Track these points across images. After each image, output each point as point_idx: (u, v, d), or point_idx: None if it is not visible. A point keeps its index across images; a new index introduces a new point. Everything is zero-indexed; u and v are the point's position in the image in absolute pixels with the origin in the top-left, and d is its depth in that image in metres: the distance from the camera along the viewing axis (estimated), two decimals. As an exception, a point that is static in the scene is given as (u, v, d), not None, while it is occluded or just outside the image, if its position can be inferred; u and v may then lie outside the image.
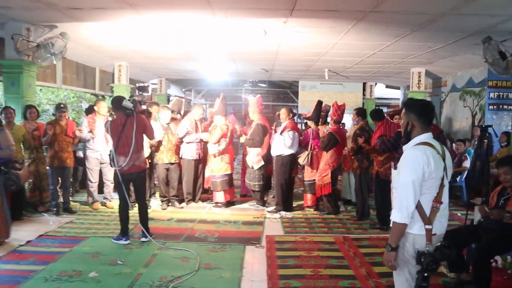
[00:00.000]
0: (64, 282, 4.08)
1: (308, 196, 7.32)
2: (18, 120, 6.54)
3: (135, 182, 5.51)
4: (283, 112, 7.20)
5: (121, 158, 5.25)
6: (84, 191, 8.01)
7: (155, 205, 7.39)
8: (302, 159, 7.10)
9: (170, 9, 5.74)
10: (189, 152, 7.25)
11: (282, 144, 6.88)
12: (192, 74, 13.52)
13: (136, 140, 5.27)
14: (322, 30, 6.76)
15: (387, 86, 15.59)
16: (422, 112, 2.64)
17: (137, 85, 5.70)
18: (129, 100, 5.52)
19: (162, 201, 7.28)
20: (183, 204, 7.43)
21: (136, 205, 5.68)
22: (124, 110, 5.27)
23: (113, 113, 7.39)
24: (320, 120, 7.18)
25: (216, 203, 7.32)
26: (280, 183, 7.01)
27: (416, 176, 2.43)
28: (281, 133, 6.98)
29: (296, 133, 7.07)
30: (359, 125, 6.71)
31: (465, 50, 7.93)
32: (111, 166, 5.48)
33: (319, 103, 7.30)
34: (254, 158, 7.09)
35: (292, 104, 16.85)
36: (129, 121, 5.27)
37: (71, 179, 7.43)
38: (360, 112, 6.87)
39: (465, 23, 6.09)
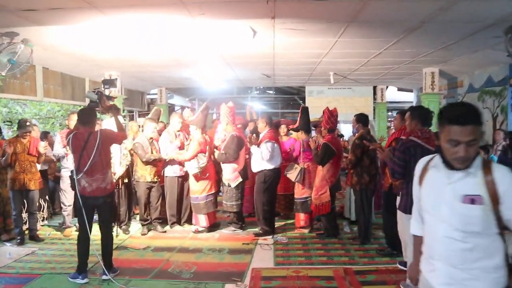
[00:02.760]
0: None
1: (301, 216, 6.40)
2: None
3: (100, 208, 4.70)
4: (261, 121, 6.32)
5: (83, 179, 4.47)
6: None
7: (134, 229, 6.56)
8: (294, 175, 6.19)
9: (136, 7, 5.00)
10: (172, 168, 6.42)
11: (260, 158, 6.02)
12: (190, 82, 12.81)
13: (101, 158, 4.51)
14: (317, 27, 5.93)
15: (399, 89, 14.59)
16: None
17: (103, 78, 4.97)
18: (93, 91, 4.77)
19: (142, 225, 6.45)
20: (167, 227, 6.59)
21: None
22: (87, 121, 4.55)
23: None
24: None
25: (196, 230, 6.45)
26: (261, 202, 6.14)
27: None
28: (258, 145, 6.11)
29: (276, 144, 6.16)
30: (359, 134, 5.77)
31: (483, 45, 6.97)
32: (72, 189, 4.70)
33: (304, 109, 6.49)
34: (230, 174, 6.20)
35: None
36: (93, 136, 4.50)
37: (42, 203, 6.70)
38: (361, 119, 5.89)
39: (482, 11, 5.16)
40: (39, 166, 6.44)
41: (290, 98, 18.08)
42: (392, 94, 14.91)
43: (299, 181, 6.19)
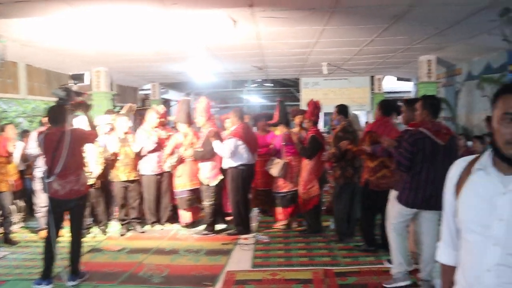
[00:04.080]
0: None
1: (280, 210, 6.11)
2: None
3: (73, 211, 4.43)
4: (232, 115, 6.02)
5: (55, 181, 4.21)
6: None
7: (113, 230, 6.30)
8: (276, 170, 5.88)
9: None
10: (149, 166, 6.15)
11: (220, 153, 5.78)
12: (182, 76, 12.54)
13: (74, 158, 4.27)
14: (299, 15, 5.63)
15: (398, 79, 14.20)
16: None
17: (70, 73, 4.69)
18: (61, 87, 4.51)
19: (121, 225, 6.20)
20: (147, 227, 6.34)
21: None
22: (57, 120, 4.31)
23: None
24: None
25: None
26: (235, 200, 5.85)
27: None
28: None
29: (239, 140, 5.81)
30: (341, 126, 5.49)
31: (479, 30, 6.61)
32: (43, 191, 4.47)
33: (280, 102, 6.20)
34: (208, 173, 5.86)
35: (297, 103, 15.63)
36: (65, 135, 4.23)
37: (21, 204, 6.48)
38: (342, 110, 5.58)
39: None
40: (22, 166, 6.24)
41: (287, 90, 17.76)
42: (391, 83, 14.52)
43: (281, 176, 5.89)
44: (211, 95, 19.20)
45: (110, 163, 5.98)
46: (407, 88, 14.44)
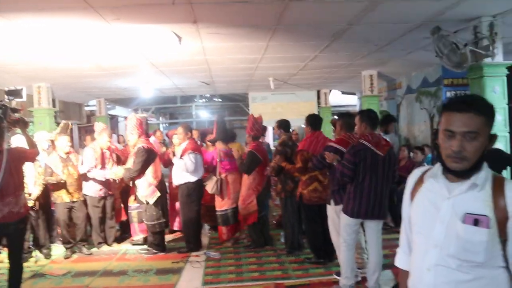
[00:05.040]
0: None
1: (223, 229, 6.05)
2: None
3: (11, 235, 4.11)
4: (179, 131, 6.00)
5: None
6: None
7: (58, 252, 6.04)
8: (210, 187, 5.88)
9: (43, 11, 4.60)
10: (92, 188, 5.97)
11: (183, 169, 5.69)
12: (128, 92, 12.32)
13: (12, 179, 4.01)
14: (243, 31, 5.72)
15: (343, 93, 14.66)
16: None
17: (6, 89, 4.41)
18: None
19: (66, 247, 5.95)
20: (94, 249, 6.12)
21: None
22: None
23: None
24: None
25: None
26: (188, 217, 5.80)
27: None
28: (181, 157, 5.79)
29: (199, 155, 5.85)
30: (281, 140, 5.61)
31: (415, 46, 6.99)
32: None
33: (218, 118, 6.32)
34: (145, 190, 5.66)
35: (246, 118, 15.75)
36: (3, 155, 3.96)
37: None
38: (282, 124, 5.70)
39: (407, 12, 5.15)
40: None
41: (237, 105, 17.85)
42: (336, 98, 14.95)
43: (216, 193, 5.89)
44: (160, 110, 19.03)
45: (53, 184, 5.73)
46: (352, 102, 14.93)
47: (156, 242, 5.86)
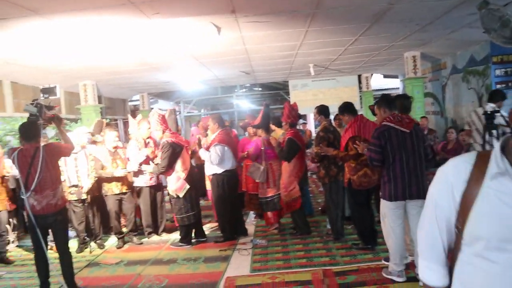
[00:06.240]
0: None
1: (270, 214, 6.11)
2: None
3: (52, 226, 4.40)
4: (211, 122, 6.05)
5: (31, 197, 4.17)
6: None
7: (110, 243, 6.28)
8: (257, 175, 5.91)
9: (84, 11, 4.72)
10: (142, 178, 6.14)
11: (208, 161, 5.78)
12: (170, 85, 12.56)
13: (49, 173, 4.23)
14: (282, 18, 5.67)
15: (384, 76, 14.30)
16: None
17: (41, 87, 4.54)
18: (32, 103, 4.42)
19: (118, 238, 6.17)
20: (144, 239, 6.32)
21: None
22: (29, 136, 4.24)
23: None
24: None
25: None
26: (220, 207, 5.87)
27: None
28: (207, 149, 5.83)
29: (226, 147, 5.83)
30: (322, 126, 5.59)
31: (460, 24, 6.70)
32: (21, 209, 4.43)
33: (266, 106, 6.26)
34: (174, 184, 5.72)
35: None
36: (39, 151, 4.19)
37: (14, 222, 6.43)
38: (322, 110, 5.67)
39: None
40: (12, 184, 6.18)
41: (277, 93, 17.81)
42: (379, 81, 14.63)
43: (262, 181, 5.92)
44: (201, 102, 19.23)
45: (103, 177, 5.95)
46: (395, 85, 14.56)
47: (182, 234, 5.93)
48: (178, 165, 5.71)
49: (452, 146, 7.31)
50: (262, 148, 6.06)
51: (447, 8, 5.73)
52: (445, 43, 8.33)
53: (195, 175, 6.14)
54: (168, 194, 5.93)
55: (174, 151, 5.64)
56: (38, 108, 4.30)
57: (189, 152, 6.19)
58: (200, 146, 5.96)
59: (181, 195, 5.68)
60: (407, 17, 6.12)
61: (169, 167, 5.64)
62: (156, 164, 5.77)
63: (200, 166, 6.86)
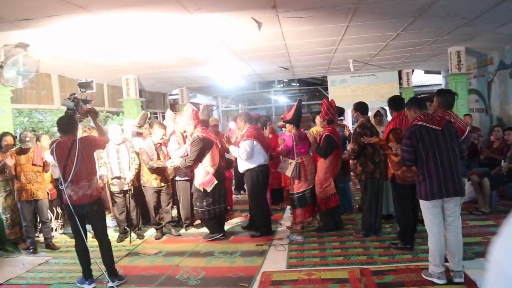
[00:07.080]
0: None
1: (298, 211, 6.04)
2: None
3: (89, 216, 4.55)
4: (239, 119, 6.08)
5: (68, 188, 4.35)
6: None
7: (149, 234, 6.44)
8: (290, 171, 5.88)
9: (129, 7, 4.85)
10: (182, 172, 6.25)
11: (238, 157, 5.84)
12: (208, 80, 12.69)
13: (85, 165, 4.40)
14: (323, 13, 5.62)
15: (426, 72, 13.91)
16: None
17: (78, 81, 4.67)
18: (69, 98, 4.56)
19: (156, 229, 6.32)
20: (182, 230, 6.44)
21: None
22: (67, 129, 4.41)
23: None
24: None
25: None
26: (255, 202, 5.88)
27: None
28: (238, 144, 5.86)
29: (255, 141, 5.83)
30: (359, 122, 5.57)
31: (509, 18, 6.44)
32: (58, 198, 4.59)
33: (299, 102, 6.18)
34: (202, 178, 5.76)
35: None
36: (75, 143, 4.36)
37: (58, 211, 6.69)
38: (359, 107, 5.63)
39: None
40: (55, 175, 6.43)
41: (315, 89, 17.67)
42: (420, 77, 14.26)
43: (295, 176, 5.89)
44: (238, 97, 19.34)
45: (141, 169, 6.11)
46: (436, 81, 14.16)
47: (209, 227, 6.02)
48: (207, 160, 5.77)
49: (498, 145, 7.05)
50: (294, 144, 6.03)
51: (496, 1, 5.52)
52: (492, 38, 8.02)
53: (222, 171, 6.15)
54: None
55: (204, 146, 5.72)
56: (75, 103, 4.43)
57: (218, 148, 6.27)
58: (230, 142, 6.02)
59: (208, 189, 5.74)
60: (452, 11, 5.94)
61: (196, 161, 5.74)
62: (183, 158, 5.84)
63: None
